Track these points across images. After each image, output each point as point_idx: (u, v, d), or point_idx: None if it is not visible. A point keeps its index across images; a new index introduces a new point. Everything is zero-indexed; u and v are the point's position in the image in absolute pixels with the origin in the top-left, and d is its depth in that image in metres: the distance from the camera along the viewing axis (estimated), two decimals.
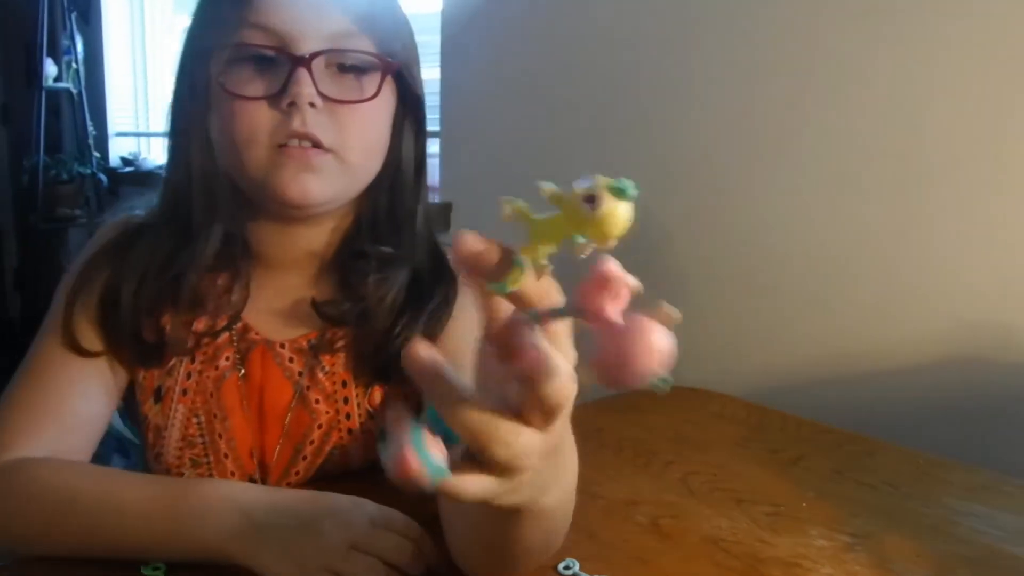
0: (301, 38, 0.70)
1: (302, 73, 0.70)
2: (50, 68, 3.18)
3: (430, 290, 0.78)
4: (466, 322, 0.77)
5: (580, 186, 0.33)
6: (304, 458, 0.81)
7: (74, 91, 3.21)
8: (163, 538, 0.65)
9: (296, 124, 0.70)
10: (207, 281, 0.78)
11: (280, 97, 0.70)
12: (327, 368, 0.80)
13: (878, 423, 1.13)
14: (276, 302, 0.81)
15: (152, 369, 0.80)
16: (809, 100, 1.23)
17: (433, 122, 2.18)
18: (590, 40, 1.54)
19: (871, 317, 1.19)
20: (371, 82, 0.74)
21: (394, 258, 0.78)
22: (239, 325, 0.80)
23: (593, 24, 1.54)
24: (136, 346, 0.78)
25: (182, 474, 0.80)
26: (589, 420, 1.08)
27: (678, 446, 0.95)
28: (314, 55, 0.70)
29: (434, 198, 2.16)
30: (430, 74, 2.26)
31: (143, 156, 3.23)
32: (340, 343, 0.80)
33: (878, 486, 0.87)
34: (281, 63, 0.71)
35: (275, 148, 0.71)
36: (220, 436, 0.80)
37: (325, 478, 0.81)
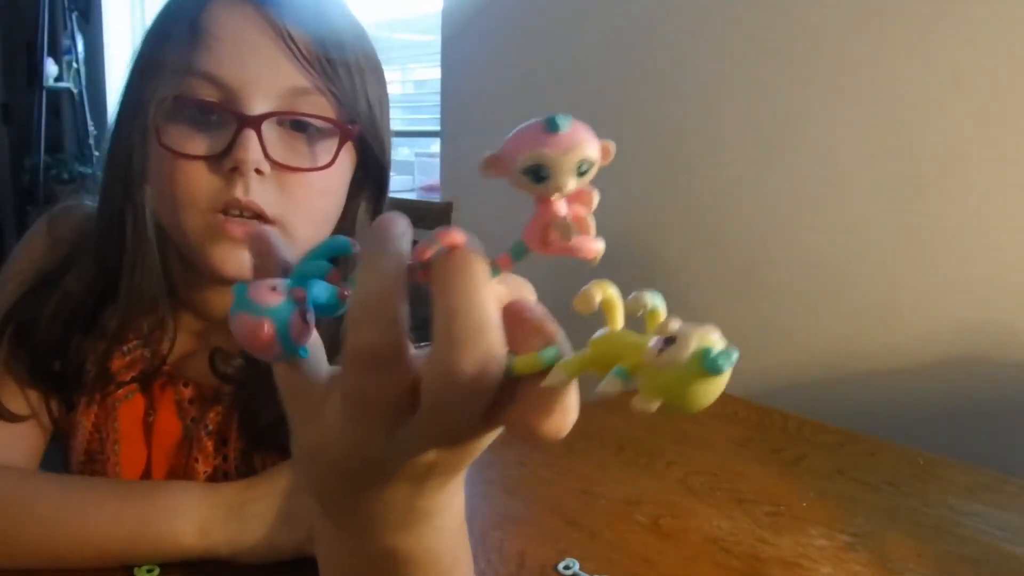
0: (252, 94, 0.62)
1: (249, 135, 0.61)
2: (51, 68, 3.19)
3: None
4: None
5: (661, 320, 0.26)
6: None
7: (75, 91, 3.22)
8: (133, 538, 0.62)
9: (238, 192, 0.62)
10: (133, 322, 0.73)
11: (223, 159, 0.62)
12: (210, 427, 0.75)
13: (879, 422, 1.13)
14: (192, 344, 0.76)
15: (65, 395, 0.75)
16: (810, 101, 1.23)
17: (433, 122, 2.19)
18: (590, 40, 1.54)
19: (872, 317, 1.19)
20: (327, 148, 0.66)
21: None
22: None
23: (593, 24, 1.53)
24: (50, 380, 0.73)
25: None
26: (590, 420, 1.08)
27: (679, 446, 0.94)
28: (264, 116, 0.62)
29: (434, 198, 2.16)
30: (430, 74, 2.27)
31: None
32: (226, 398, 0.74)
33: (879, 485, 0.86)
34: (227, 120, 0.63)
35: (214, 214, 0.63)
36: (114, 459, 0.75)
37: None
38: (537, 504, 0.82)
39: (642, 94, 1.47)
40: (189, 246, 0.66)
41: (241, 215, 0.63)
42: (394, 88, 2.77)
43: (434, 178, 2.23)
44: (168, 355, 0.74)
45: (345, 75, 0.66)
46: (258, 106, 0.62)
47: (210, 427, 0.75)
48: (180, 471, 0.75)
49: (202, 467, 0.75)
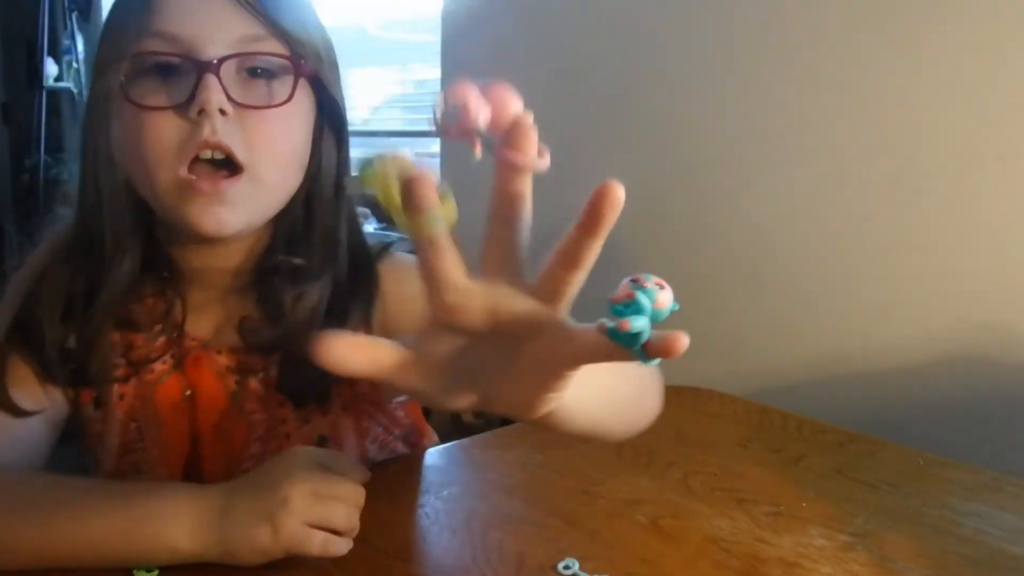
0: (207, 43, 0.67)
1: (210, 79, 0.66)
2: (51, 68, 3.19)
3: (349, 303, 0.76)
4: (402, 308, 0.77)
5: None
6: (245, 472, 0.74)
7: (75, 91, 3.21)
8: (127, 542, 0.62)
9: (206, 133, 0.66)
10: (140, 302, 0.76)
11: (188, 105, 0.66)
12: (254, 389, 0.77)
13: (879, 423, 1.13)
14: (210, 313, 0.78)
15: (91, 386, 0.77)
16: (811, 100, 1.23)
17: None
18: (590, 40, 1.54)
19: (872, 317, 1.19)
20: (284, 86, 0.70)
21: (307, 271, 0.75)
22: (175, 334, 0.77)
23: (593, 24, 1.53)
24: (69, 372, 0.75)
25: None
26: None
27: (679, 446, 0.94)
28: (222, 60, 0.67)
29: None
30: (430, 74, 2.27)
31: None
32: (272, 364, 0.77)
33: (879, 485, 0.86)
34: (187, 71, 0.67)
35: (184, 178, 0.67)
36: (155, 443, 0.77)
37: None
38: (537, 504, 0.82)
39: (642, 94, 1.47)
40: (164, 207, 0.69)
41: (212, 159, 0.67)
42: (394, 88, 2.77)
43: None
44: (183, 325, 0.77)
45: (292, 19, 0.71)
46: (212, 53, 0.66)
47: (254, 389, 0.77)
48: (234, 440, 0.77)
49: (260, 417, 0.77)
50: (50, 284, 0.75)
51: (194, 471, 0.78)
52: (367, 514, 0.78)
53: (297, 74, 0.70)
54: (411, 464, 0.91)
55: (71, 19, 3.18)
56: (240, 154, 0.67)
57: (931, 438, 1.06)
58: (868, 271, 1.19)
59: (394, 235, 0.83)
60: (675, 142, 1.42)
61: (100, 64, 0.71)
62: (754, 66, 1.30)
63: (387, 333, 0.76)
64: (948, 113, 1.10)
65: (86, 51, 3.23)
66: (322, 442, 0.80)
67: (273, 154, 0.70)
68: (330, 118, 0.76)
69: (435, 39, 2.10)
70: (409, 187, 0.37)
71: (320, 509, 0.61)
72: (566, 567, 0.68)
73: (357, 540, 0.73)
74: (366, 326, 0.76)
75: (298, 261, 0.75)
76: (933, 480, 0.89)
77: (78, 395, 0.78)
